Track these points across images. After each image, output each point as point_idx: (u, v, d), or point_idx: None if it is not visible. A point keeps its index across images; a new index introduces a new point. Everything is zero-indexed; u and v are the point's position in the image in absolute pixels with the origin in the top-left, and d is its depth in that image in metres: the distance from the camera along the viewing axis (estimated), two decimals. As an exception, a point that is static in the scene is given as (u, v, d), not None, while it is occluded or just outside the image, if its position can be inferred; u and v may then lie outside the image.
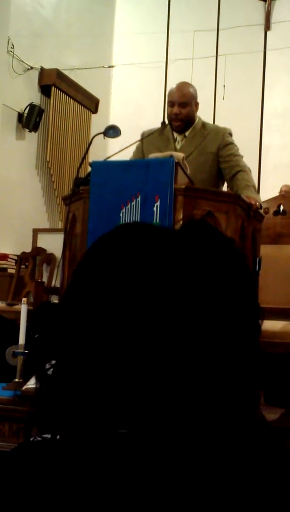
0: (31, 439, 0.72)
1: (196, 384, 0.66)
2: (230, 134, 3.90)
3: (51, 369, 0.72)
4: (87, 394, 0.67)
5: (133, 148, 3.98)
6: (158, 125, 3.99)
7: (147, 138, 3.86)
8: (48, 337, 0.74)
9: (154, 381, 0.65)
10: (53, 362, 0.72)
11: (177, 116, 3.79)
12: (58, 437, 0.69)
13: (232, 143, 3.86)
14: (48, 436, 0.70)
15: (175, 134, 3.87)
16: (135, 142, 3.83)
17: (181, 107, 3.80)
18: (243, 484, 0.66)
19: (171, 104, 3.84)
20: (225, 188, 4.02)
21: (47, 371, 0.72)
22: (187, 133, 3.86)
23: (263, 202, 5.05)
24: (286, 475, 0.70)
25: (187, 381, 0.66)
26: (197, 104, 3.91)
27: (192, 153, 3.74)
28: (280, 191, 5.56)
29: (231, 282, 0.70)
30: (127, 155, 3.94)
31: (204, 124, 3.91)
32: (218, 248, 0.71)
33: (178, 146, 3.81)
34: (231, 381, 0.68)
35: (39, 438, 0.71)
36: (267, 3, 8.29)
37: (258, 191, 7.53)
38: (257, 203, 3.47)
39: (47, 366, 0.73)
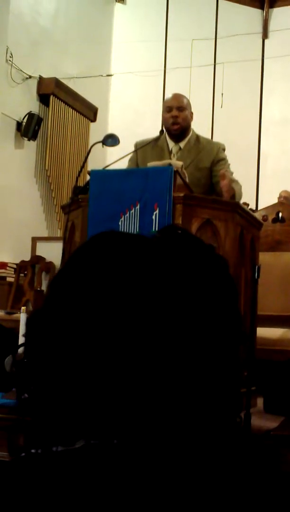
0: (22, 454, 0.72)
1: (178, 390, 0.66)
2: (224, 150, 3.94)
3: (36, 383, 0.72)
4: (69, 406, 0.67)
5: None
6: (156, 133, 4.00)
7: (141, 149, 3.87)
8: (36, 345, 0.74)
9: (135, 390, 0.66)
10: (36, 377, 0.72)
11: (176, 118, 3.83)
12: (51, 449, 0.69)
13: (224, 159, 3.90)
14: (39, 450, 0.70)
15: (171, 145, 3.88)
16: (128, 154, 3.83)
17: (179, 110, 3.85)
18: (224, 489, 0.67)
19: (169, 109, 3.87)
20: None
21: (34, 383, 0.72)
22: (182, 145, 3.87)
23: (262, 209, 5.07)
24: (263, 478, 0.70)
25: (169, 388, 0.66)
26: (191, 114, 3.95)
27: (188, 167, 3.75)
28: (279, 197, 5.57)
29: (210, 286, 0.70)
30: (126, 164, 3.95)
31: (198, 138, 3.94)
32: (194, 253, 0.71)
33: (173, 159, 3.82)
34: (211, 386, 0.68)
35: (33, 451, 0.71)
36: (264, 11, 8.33)
37: (256, 197, 7.56)
38: (225, 172, 3.47)
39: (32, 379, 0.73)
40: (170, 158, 3.82)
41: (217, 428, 0.68)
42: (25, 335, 0.74)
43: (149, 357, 0.66)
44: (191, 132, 3.93)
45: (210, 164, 3.82)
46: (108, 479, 0.65)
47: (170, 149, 3.87)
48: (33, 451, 0.71)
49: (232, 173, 3.90)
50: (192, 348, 0.67)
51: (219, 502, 0.66)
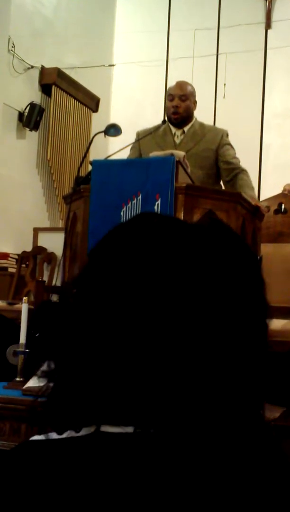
0: (32, 438, 0.71)
1: (203, 382, 0.66)
2: (227, 135, 4.00)
3: (53, 368, 0.72)
4: (93, 392, 0.67)
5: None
6: (158, 123, 4.01)
7: (143, 136, 3.89)
8: (51, 335, 0.73)
9: (161, 378, 0.65)
10: (55, 361, 0.72)
11: (177, 108, 3.88)
12: (63, 434, 0.69)
13: (230, 144, 3.96)
14: (50, 435, 0.70)
15: (174, 129, 3.91)
16: (130, 144, 3.84)
17: (181, 100, 3.89)
18: (243, 484, 0.67)
19: (171, 98, 3.94)
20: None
21: (51, 369, 0.72)
22: (186, 129, 3.90)
23: (264, 200, 5.06)
24: (284, 475, 0.70)
25: (194, 379, 0.66)
26: (195, 102, 3.98)
27: (192, 148, 3.77)
28: (284, 190, 5.55)
29: (244, 281, 0.70)
30: (128, 154, 3.95)
31: (202, 124, 4.00)
32: (234, 247, 0.71)
33: (177, 141, 3.85)
34: (237, 379, 0.68)
35: (41, 437, 0.71)
36: (267, 1, 8.28)
37: (258, 190, 7.55)
38: (265, 208, 3.58)
39: (49, 365, 0.73)
40: (174, 141, 3.85)
41: (240, 420, 0.68)
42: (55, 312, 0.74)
43: (179, 345, 0.65)
44: (194, 120, 3.96)
45: (216, 146, 3.88)
46: (117, 469, 0.64)
47: (173, 132, 3.90)
48: (35, 438, 0.71)
49: (238, 159, 3.92)
50: (222, 338, 0.67)
51: (247, 494, 0.66)
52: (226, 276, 0.69)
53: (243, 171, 3.87)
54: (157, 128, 3.94)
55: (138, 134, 3.98)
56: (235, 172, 3.83)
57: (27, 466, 0.67)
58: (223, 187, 3.93)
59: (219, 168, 3.86)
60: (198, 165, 3.68)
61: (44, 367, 0.73)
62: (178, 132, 3.91)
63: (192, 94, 3.97)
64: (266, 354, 0.72)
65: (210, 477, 0.65)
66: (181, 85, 4.00)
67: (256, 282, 0.72)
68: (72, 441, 0.68)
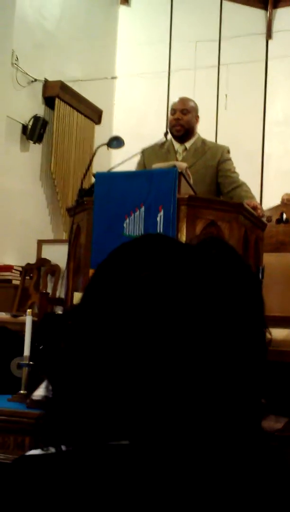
0: (30, 452, 0.72)
1: (204, 393, 0.67)
2: (228, 152, 4.06)
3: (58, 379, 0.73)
4: (95, 404, 0.68)
5: (136, 159, 4.01)
6: (161, 135, 4.03)
7: (148, 153, 3.95)
8: (54, 347, 0.74)
9: (164, 391, 0.66)
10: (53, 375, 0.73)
11: (178, 121, 3.95)
12: (61, 448, 0.70)
13: (230, 160, 4.03)
14: (49, 449, 0.71)
15: (176, 146, 3.95)
16: (133, 155, 3.84)
17: (183, 113, 3.96)
18: (243, 494, 0.67)
19: (173, 111, 4.02)
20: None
21: (54, 381, 0.73)
22: (188, 146, 3.94)
23: (266, 210, 5.07)
24: (286, 485, 0.71)
25: (197, 391, 0.67)
26: (197, 117, 4.04)
27: (194, 165, 3.80)
28: (282, 200, 5.56)
29: (244, 302, 0.71)
30: (130, 166, 3.96)
31: (204, 141, 4.06)
32: (235, 269, 0.73)
33: (179, 158, 3.89)
34: (237, 391, 0.69)
35: (38, 452, 0.71)
36: (268, 12, 8.32)
37: (260, 198, 7.55)
38: (260, 211, 3.59)
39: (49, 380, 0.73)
40: (176, 158, 3.88)
41: (240, 431, 0.69)
42: (59, 330, 0.75)
43: (184, 360, 0.66)
44: (196, 135, 4.01)
45: (216, 163, 3.93)
46: (118, 482, 0.65)
47: (176, 149, 3.94)
48: (34, 452, 0.71)
49: (237, 173, 3.97)
50: (224, 355, 0.68)
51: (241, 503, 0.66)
52: (226, 297, 0.70)
53: (242, 184, 3.92)
54: (161, 144, 4.01)
55: (143, 151, 4.03)
56: (234, 186, 3.89)
57: (24, 481, 0.68)
58: None
59: (219, 184, 3.92)
60: (198, 181, 3.70)
61: (46, 381, 0.74)
62: (180, 149, 3.96)
63: (194, 109, 4.03)
64: (265, 372, 0.73)
65: (210, 486, 0.66)
66: (183, 100, 4.06)
67: (256, 303, 0.73)
68: (69, 454, 0.69)
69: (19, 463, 0.71)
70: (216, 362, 0.68)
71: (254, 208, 3.52)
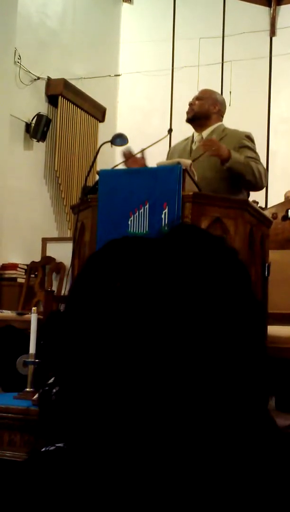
0: (43, 449, 0.72)
1: (203, 391, 0.66)
2: (248, 137, 3.89)
3: (53, 382, 0.72)
4: (90, 408, 0.67)
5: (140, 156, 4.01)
6: (165, 132, 4.03)
7: (173, 147, 4.05)
8: (55, 347, 0.74)
9: (158, 391, 0.65)
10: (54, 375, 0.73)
11: (191, 106, 3.95)
12: (66, 445, 0.69)
13: (248, 146, 3.83)
14: (60, 445, 0.71)
15: (195, 135, 3.95)
16: (137, 152, 3.80)
17: (197, 99, 3.97)
18: (251, 489, 0.66)
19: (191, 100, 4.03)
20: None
21: (50, 384, 0.73)
22: (204, 135, 3.89)
23: (272, 207, 5.05)
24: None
25: (194, 388, 0.66)
26: (215, 105, 3.96)
27: (205, 152, 3.74)
28: (286, 197, 5.55)
29: (226, 282, 0.69)
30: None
31: (224, 129, 3.95)
32: (209, 251, 0.71)
33: (194, 147, 3.90)
34: (238, 384, 0.68)
35: (51, 448, 0.71)
36: (272, 8, 8.30)
37: (265, 196, 7.54)
38: (220, 150, 3.50)
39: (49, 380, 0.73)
40: (191, 148, 3.88)
41: (247, 425, 0.68)
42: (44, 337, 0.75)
43: (176, 358, 0.65)
44: (217, 124, 3.94)
45: (231, 149, 3.71)
46: (124, 480, 0.65)
47: (194, 138, 3.94)
48: (44, 449, 0.71)
49: (257, 161, 3.79)
50: (218, 346, 0.67)
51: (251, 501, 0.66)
52: (210, 282, 0.68)
53: (253, 161, 3.72)
54: (186, 138, 4.04)
55: (171, 147, 4.13)
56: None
57: (38, 477, 0.67)
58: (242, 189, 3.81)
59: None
60: (208, 168, 3.67)
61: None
62: (197, 138, 3.94)
63: (211, 98, 4.03)
64: (265, 355, 0.71)
65: (218, 485, 0.65)
66: (203, 89, 4.17)
67: (241, 279, 0.71)
68: (65, 452, 0.68)
69: (31, 461, 0.70)
70: (212, 358, 0.66)
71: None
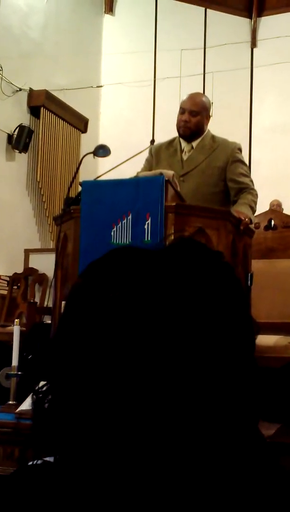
0: (30, 463, 0.71)
1: (195, 402, 0.66)
2: (240, 150, 3.83)
3: (45, 393, 0.72)
4: (84, 417, 0.67)
5: (122, 167, 3.99)
6: (147, 143, 4.02)
7: (155, 151, 3.84)
8: (42, 359, 0.74)
9: (151, 402, 0.65)
10: (46, 384, 0.72)
11: (186, 123, 3.73)
12: (59, 455, 0.69)
13: (241, 160, 3.79)
14: (48, 459, 0.70)
15: (183, 145, 3.80)
16: (120, 164, 3.79)
17: (191, 115, 3.75)
18: (239, 500, 0.66)
19: (182, 111, 3.77)
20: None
21: (41, 394, 0.72)
22: (194, 144, 3.79)
23: (254, 217, 5.07)
24: (282, 491, 0.70)
25: (186, 399, 0.65)
26: (208, 116, 3.83)
27: (200, 165, 3.69)
28: (271, 206, 5.58)
29: (223, 298, 0.70)
30: (117, 174, 3.95)
31: (213, 137, 3.85)
32: (207, 265, 0.71)
33: (185, 157, 3.75)
34: (229, 396, 0.68)
35: (39, 462, 0.70)
36: (252, 20, 8.38)
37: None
38: (247, 219, 3.42)
39: (41, 388, 0.73)
40: (181, 157, 3.76)
41: (236, 437, 0.68)
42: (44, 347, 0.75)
43: (170, 370, 0.65)
44: (205, 132, 3.82)
45: (224, 163, 3.71)
46: (114, 490, 0.64)
47: (183, 148, 3.80)
48: (31, 463, 0.70)
49: (249, 177, 3.78)
50: (212, 360, 0.67)
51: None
52: (207, 297, 0.69)
53: (250, 189, 3.72)
54: (170, 142, 3.83)
55: (151, 148, 3.90)
56: (243, 192, 3.69)
57: (24, 491, 0.67)
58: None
59: (225, 183, 3.72)
60: (203, 182, 3.63)
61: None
62: (187, 148, 3.79)
63: (205, 108, 3.83)
64: (256, 369, 0.72)
65: (205, 492, 0.65)
66: (193, 98, 3.83)
67: (237, 296, 0.72)
68: (55, 465, 0.68)
69: (18, 474, 0.70)
70: (205, 371, 0.66)
71: (239, 220, 3.33)
